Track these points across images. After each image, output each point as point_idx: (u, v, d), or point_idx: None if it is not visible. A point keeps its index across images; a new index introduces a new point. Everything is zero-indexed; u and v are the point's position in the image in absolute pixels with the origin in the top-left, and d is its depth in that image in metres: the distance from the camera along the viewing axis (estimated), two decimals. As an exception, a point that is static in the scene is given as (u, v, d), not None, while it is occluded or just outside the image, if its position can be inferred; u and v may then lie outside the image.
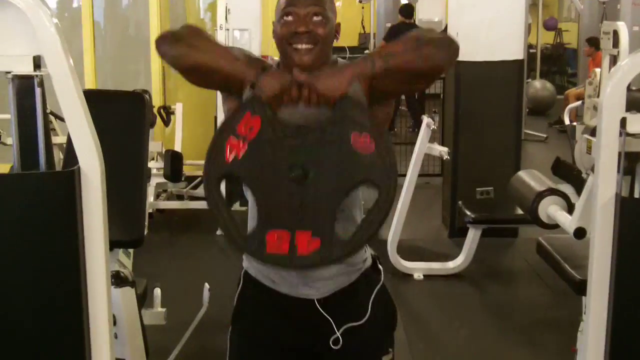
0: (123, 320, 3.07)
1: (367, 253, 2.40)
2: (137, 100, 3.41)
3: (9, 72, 2.08)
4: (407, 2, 12.68)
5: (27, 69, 2.07)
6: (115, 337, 2.83)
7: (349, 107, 2.03)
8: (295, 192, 2.02)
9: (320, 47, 2.19)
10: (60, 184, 2.08)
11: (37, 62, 2.07)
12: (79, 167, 2.10)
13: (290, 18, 2.19)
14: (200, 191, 6.94)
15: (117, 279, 3.08)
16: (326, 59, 2.25)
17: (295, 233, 2.01)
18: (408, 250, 5.50)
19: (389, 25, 13.27)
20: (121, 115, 3.33)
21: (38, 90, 2.10)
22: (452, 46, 2.14)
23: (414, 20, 11.53)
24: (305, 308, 2.26)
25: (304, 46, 2.17)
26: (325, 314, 2.25)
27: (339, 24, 2.29)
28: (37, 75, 2.08)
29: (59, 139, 5.88)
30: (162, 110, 6.94)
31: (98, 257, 2.17)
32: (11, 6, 2.02)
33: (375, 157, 2.00)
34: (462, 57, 6.23)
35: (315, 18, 2.18)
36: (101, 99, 3.45)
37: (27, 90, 2.13)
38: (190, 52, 2.13)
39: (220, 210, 2.08)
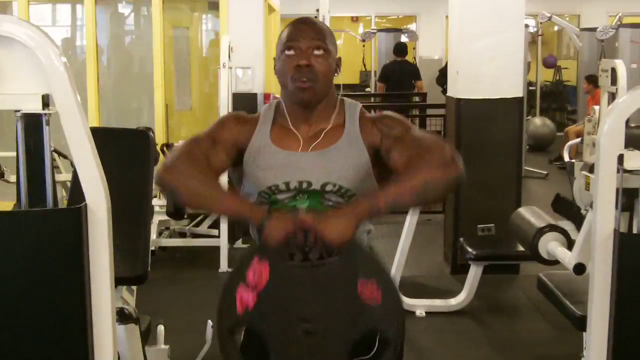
0: (127, 357, 3.08)
1: None
2: (142, 138, 3.45)
3: (18, 111, 2.12)
4: (402, 41, 12.82)
5: (36, 107, 2.11)
6: (119, 373, 2.85)
7: (354, 254, 2.09)
8: (306, 343, 2.08)
9: (321, 82, 2.24)
10: (68, 221, 2.11)
11: (46, 101, 2.11)
12: (85, 204, 2.13)
13: (292, 52, 2.24)
14: (202, 228, 6.97)
15: (122, 316, 3.10)
16: (327, 93, 2.29)
17: None
18: (410, 287, 5.51)
19: (388, 62, 13.41)
20: (126, 152, 3.37)
21: (46, 129, 2.15)
22: (455, 169, 2.20)
23: (412, 58, 11.69)
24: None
25: (305, 81, 2.22)
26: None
27: (339, 59, 2.35)
28: (45, 114, 2.12)
29: (62, 177, 5.91)
30: (165, 148, 6.97)
31: (104, 294, 2.19)
32: (20, 45, 2.06)
33: (382, 309, 2.06)
34: (462, 94, 6.27)
35: (316, 52, 2.23)
36: (107, 136, 3.49)
37: (34, 127, 2.18)
38: (189, 198, 2.21)
39: None
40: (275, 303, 2.10)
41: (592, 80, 10.56)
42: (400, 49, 11.74)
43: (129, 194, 3.27)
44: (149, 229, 3.42)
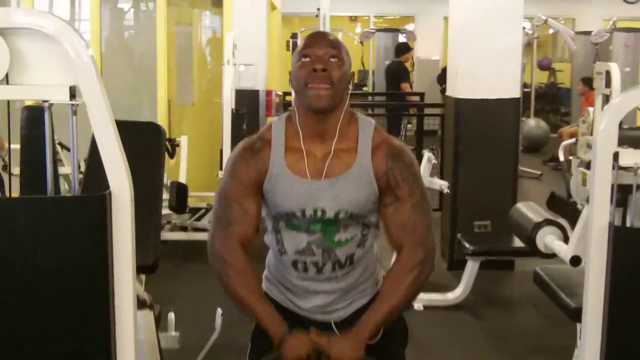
0: (143, 342, 3.18)
1: (381, 275, 2.56)
2: (154, 130, 3.54)
3: (46, 101, 2.22)
4: (402, 41, 12.88)
5: (63, 97, 2.20)
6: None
7: None
8: None
9: (335, 89, 2.32)
10: (94, 207, 2.20)
11: (73, 92, 2.21)
12: (110, 192, 2.23)
13: (308, 59, 2.33)
14: (204, 223, 7.07)
15: (137, 302, 3.19)
16: (340, 101, 2.37)
17: None
18: (408, 282, 5.61)
19: (387, 62, 13.52)
20: (138, 144, 3.45)
21: (74, 119, 2.25)
22: (429, 269, 2.48)
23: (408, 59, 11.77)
24: (323, 329, 2.40)
25: (320, 86, 2.30)
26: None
27: (353, 73, 2.45)
28: (73, 104, 2.22)
29: (63, 170, 5.98)
30: (167, 143, 7.06)
31: (126, 279, 2.28)
32: (48, 37, 2.14)
33: None
34: (461, 94, 6.39)
35: (331, 59, 2.33)
36: (119, 128, 3.57)
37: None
38: (229, 292, 2.48)
39: None
40: None
41: (588, 82, 10.69)
42: (396, 50, 11.83)
43: (141, 185, 3.32)
44: (159, 220, 3.52)
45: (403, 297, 2.35)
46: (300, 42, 7.27)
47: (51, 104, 2.22)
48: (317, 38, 2.38)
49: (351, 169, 2.37)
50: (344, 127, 2.40)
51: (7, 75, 2.15)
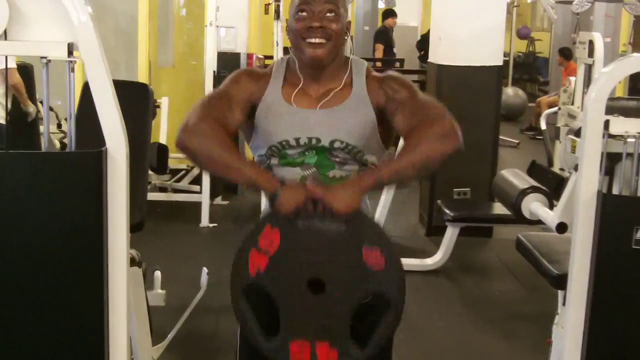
0: (132, 299, 3.20)
1: None
2: (142, 90, 3.52)
3: (44, 57, 2.22)
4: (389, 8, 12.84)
5: (61, 54, 2.20)
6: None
7: (360, 222, 2.23)
8: (314, 303, 2.23)
9: (333, 42, 2.32)
10: (90, 163, 2.21)
11: (71, 49, 2.20)
12: (106, 148, 2.23)
13: (304, 14, 2.32)
14: (184, 184, 7.08)
15: (127, 260, 3.21)
16: (337, 54, 2.37)
17: (315, 344, 2.23)
18: (387, 246, 5.67)
19: (367, 28, 13.50)
20: (126, 104, 3.43)
21: (72, 75, 2.24)
22: (454, 141, 2.26)
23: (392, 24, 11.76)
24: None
25: (317, 40, 2.30)
26: None
27: (349, 22, 2.44)
28: (70, 61, 2.22)
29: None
30: (148, 104, 7.03)
31: (120, 235, 2.30)
32: (46, -6, 2.16)
33: (385, 273, 2.21)
34: (443, 61, 6.38)
35: (328, 14, 2.31)
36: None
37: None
38: (208, 164, 2.31)
39: (245, 318, 2.27)
40: (285, 267, 2.23)
41: (565, 53, 10.74)
42: (382, 15, 11.85)
43: (129, 145, 3.37)
44: (146, 179, 3.52)
45: (413, 159, 2.24)
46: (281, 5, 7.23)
47: (49, 60, 2.21)
48: None
49: (346, 100, 2.37)
50: (340, 72, 2.41)
51: (5, 32, 2.14)
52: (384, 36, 11.67)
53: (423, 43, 10.67)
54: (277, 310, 2.24)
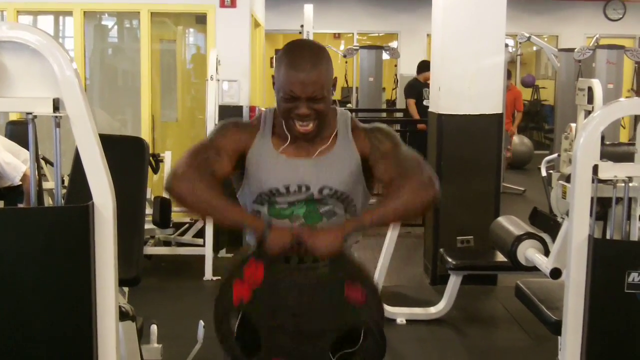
0: (124, 353, 3.19)
1: None
2: (137, 145, 3.56)
3: (30, 113, 2.24)
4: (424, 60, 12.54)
5: (47, 110, 2.22)
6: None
7: (343, 262, 2.35)
8: (295, 332, 2.34)
9: (321, 118, 2.39)
10: (77, 218, 2.23)
11: (57, 104, 2.23)
12: (93, 203, 2.24)
13: (291, 104, 2.35)
14: (187, 237, 7.07)
15: (119, 314, 3.20)
16: (325, 121, 2.43)
17: None
18: (391, 296, 5.66)
19: (371, 79, 13.57)
20: (122, 159, 3.46)
21: (57, 131, 2.26)
22: (432, 192, 2.39)
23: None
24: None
25: (305, 127, 2.37)
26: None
27: (335, 78, 2.48)
28: (56, 117, 2.24)
29: (48, 185, 5.97)
30: (151, 158, 7.08)
31: (109, 290, 2.30)
32: (32, 51, 2.18)
33: (365, 308, 2.35)
34: (444, 110, 6.40)
35: (314, 96, 2.34)
36: (103, 142, 3.59)
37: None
38: (197, 207, 2.40)
39: (228, 341, 2.38)
40: (269, 299, 2.33)
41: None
42: (417, 68, 11.33)
43: (125, 199, 3.35)
44: (142, 234, 3.53)
45: (394, 206, 2.36)
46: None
47: (35, 116, 2.24)
48: (300, 60, 2.34)
49: (334, 149, 2.45)
50: (327, 129, 2.47)
51: (-10, 88, 2.17)
52: (414, 90, 11.26)
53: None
54: (259, 338, 2.34)
